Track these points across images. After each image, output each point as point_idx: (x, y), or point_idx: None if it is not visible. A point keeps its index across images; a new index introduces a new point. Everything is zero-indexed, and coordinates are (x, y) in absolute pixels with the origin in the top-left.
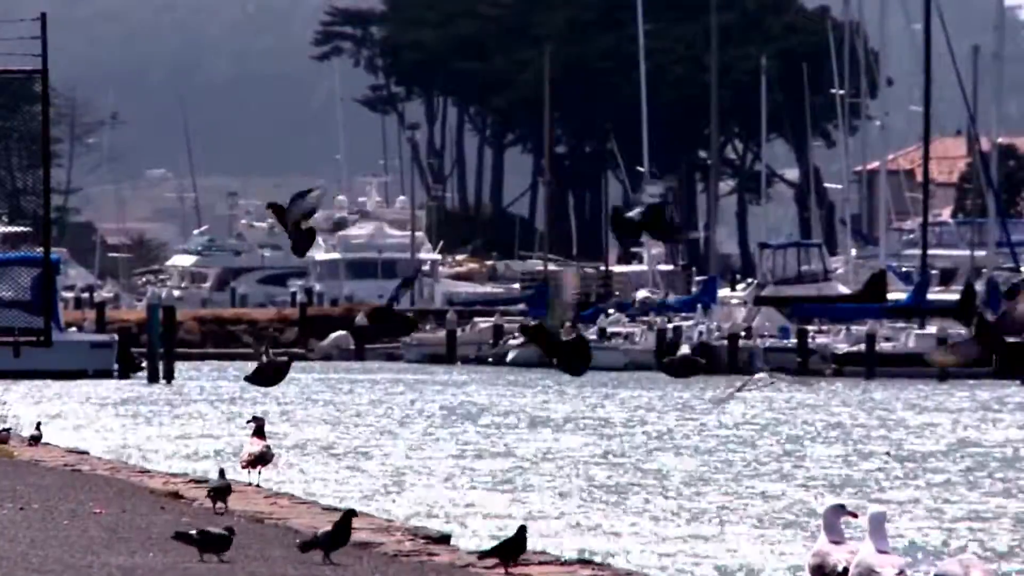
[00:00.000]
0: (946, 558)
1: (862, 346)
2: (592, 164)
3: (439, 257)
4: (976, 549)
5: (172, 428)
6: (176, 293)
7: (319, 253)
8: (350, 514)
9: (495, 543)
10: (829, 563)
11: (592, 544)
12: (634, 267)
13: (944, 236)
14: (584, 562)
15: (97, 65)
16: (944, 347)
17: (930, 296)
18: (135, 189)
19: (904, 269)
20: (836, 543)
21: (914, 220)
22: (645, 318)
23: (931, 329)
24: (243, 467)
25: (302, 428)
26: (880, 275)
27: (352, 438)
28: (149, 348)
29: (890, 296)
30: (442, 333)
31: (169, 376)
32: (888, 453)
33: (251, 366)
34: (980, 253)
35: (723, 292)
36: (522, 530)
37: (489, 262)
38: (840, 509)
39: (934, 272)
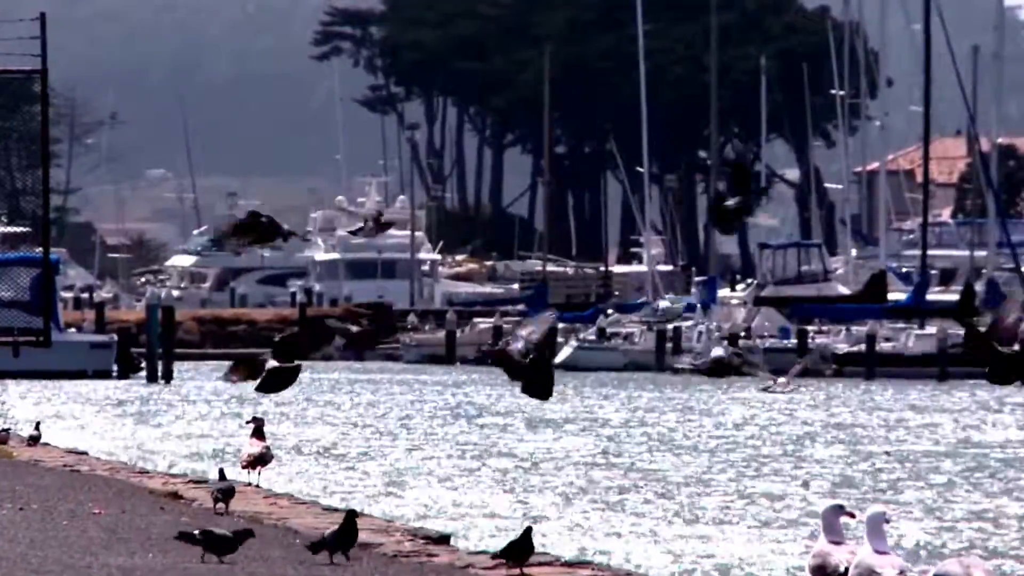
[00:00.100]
0: (946, 559)
1: (862, 346)
2: (592, 164)
3: (439, 257)
4: (976, 549)
5: (171, 428)
6: (175, 293)
7: (319, 253)
8: (352, 515)
9: (505, 544)
10: (831, 564)
11: (592, 545)
12: (634, 267)
13: (944, 236)
14: (584, 563)
15: (97, 65)
16: None
17: (930, 296)
18: (135, 189)
19: (904, 269)
20: (836, 543)
21: (914, 220)
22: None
23: (931, 330)
24: (243, 468)
25: (302, 428)
26: (880, 275)
27: (352, 438)
28: (148, 348)
29: (890, 296)
30: (442, 334)
31: (168, 376)
32: (888, 453)
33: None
34: (980, 253)
35: (723, 292)
36: (528, 531)
37: (489, 262)
38: (839, 509)
39: (934, 272)
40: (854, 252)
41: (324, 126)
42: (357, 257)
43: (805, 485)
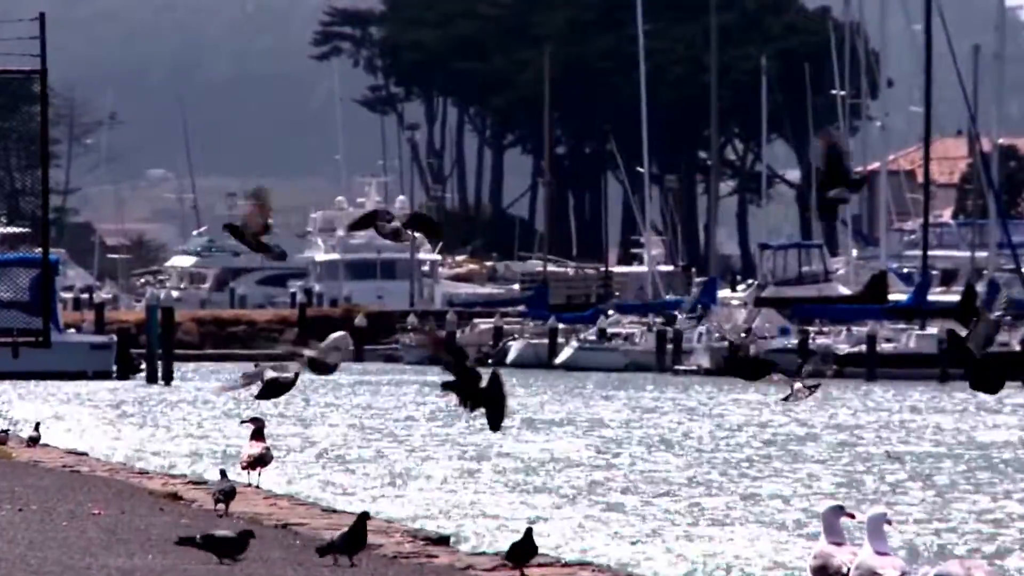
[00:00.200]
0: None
1: (863, 347)
2: (592, 164)
3: (439, 258)
4: (977, 550)
5: (171, 429)
6: (175, 294)
7: (318, 254)
8: (364, 517)
9: (509, 547)
10: (832, 564)
11: (592, 545)
12: (634, 268)
13: (945, 237)
14: (584, 564)
15: (96, 65)
16: None
17: (931, 297)
18: (134, 190)
19: (905, 270)
20: (836, 544)
21: (915, 221)
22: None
23: (932, 330)
24: (243, 468)
25: (302, 429)
26: (881, 276)
27: (351, 439)
28: (148, 349)
29: (891, 297)
30: (441, 334)
31: (168, 377)
32: (888, 454)
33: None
34: (981, 254)
35: (723, 293)
36: (529, 532)
37: (489, 263)
38: (839, 510)
39: (935, 273)
40: (855, 253)
41: (324, 126)
42: (357, 258)
43: (806, 486)
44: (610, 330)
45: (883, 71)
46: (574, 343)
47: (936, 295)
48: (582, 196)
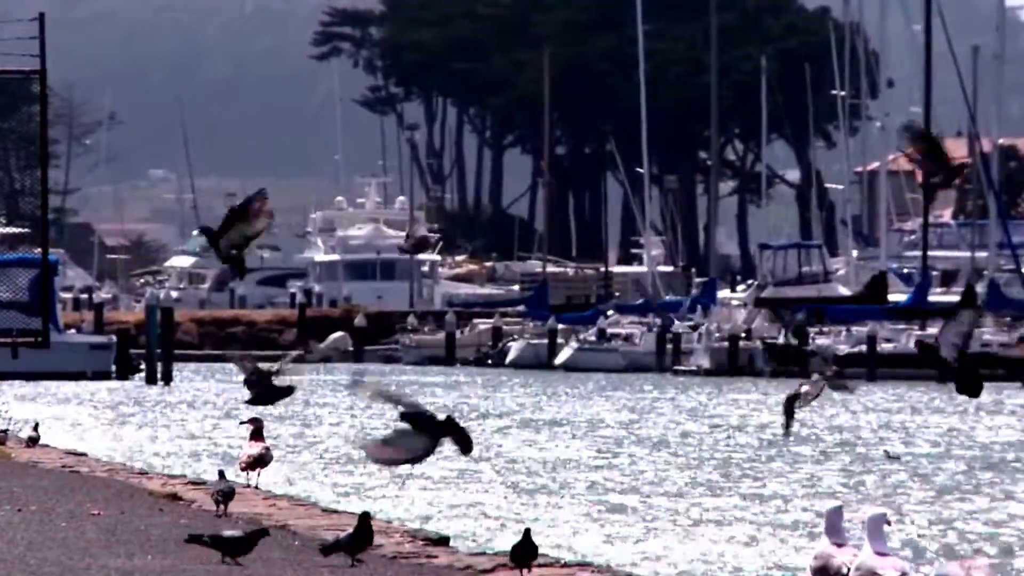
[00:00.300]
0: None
1: (863, 347)
2: (592, 165)
3: (438, 258)
4: (977, 550)
5: (170, 429)
6: (174, 294)
7: (318, 254)
8: (366, 517)
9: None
10: (833, 565)
11: (592, 546)
12: (634, 268)
13: (945, 237)
14: (584, 564)
15: (96, 65)
16: None
17: (931, 297)
18: (133, 190)
19: (905, 270)
20: (838, 545)
21: (915, 221)
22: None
23: (932, 331)
24: (242, 469)
25: (301, 430)
26: (881, 276)
27: (350, 440)
28: (147, 349)
29: (891, 297)
30: (441, 335)
31: (167, 377)
32: (887, 454)
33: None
34: (981, 254)
35: (723, 293)
36: (528, 533)
37: (488, 263)
38: (840, 510)
39: (935, 273)
40: (855, 253)
41: (323, 126)
42: (356, 258)
43: (806, 486)
44: (610, 331)
45: (883, 71)
46: (574, 343)
47: (936, 296)
48: (582, 196)
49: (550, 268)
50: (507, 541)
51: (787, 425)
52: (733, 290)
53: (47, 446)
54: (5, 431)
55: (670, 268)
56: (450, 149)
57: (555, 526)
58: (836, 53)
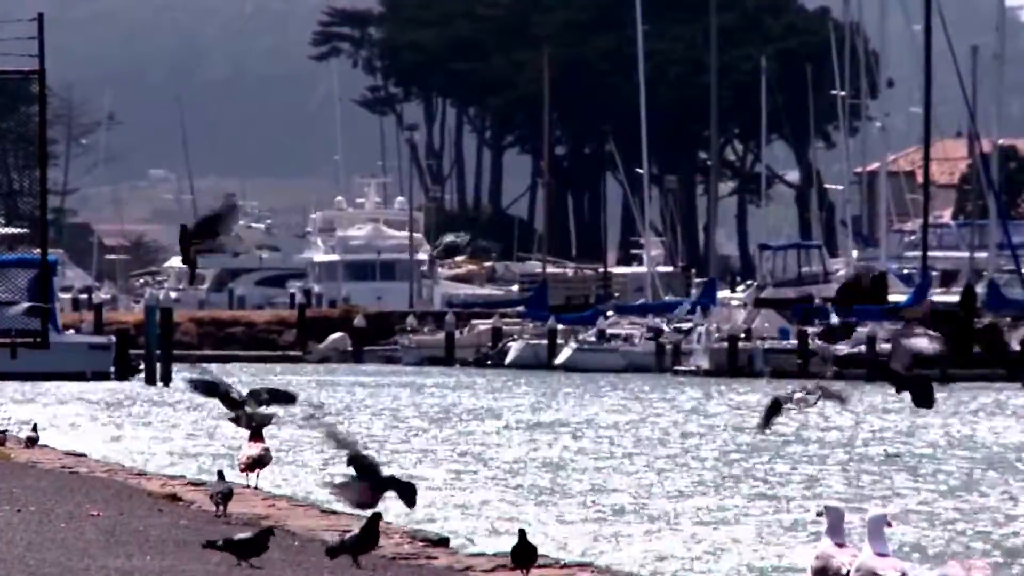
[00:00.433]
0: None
1: (862, 348)
2: (591, 165)
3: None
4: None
5: (169, 430)
6: (174, 295)
7: (318, 254)
8: (376, 517)
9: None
10: (833, 566)
11: (592, 546)
12: (633, 268)
13: (945, 238)
14: (584, 565)
15: (95, 65)
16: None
17: (931, 298)
18: (133, 190)
19: (905, 271)
20: (839, 545)
21: (915, 222)
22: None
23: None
24: (241, 470)
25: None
26: (881, 277)
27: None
28: (147, 350)
29: (891, 298)
30: (441, 335)
31: (167, 378)
32: (887, 453)
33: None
34: (981, 255)
35: (723, 294)
36: (523, 534)
37: (488, 264)
38: (841, 511)
39: (935, 274)
40: (855, 253)
41: (323, 127)
42: (356, 259)
43: (805, 486)
44: (609, 331)
45: (883, 71)
46: (573, 344)
47: (936, 296)
48: (581, 197)
49: (550, 268)
50: (507, 542)
51: (765, 423)
52: (733, 290)
53: (46, 447)
54: (4, 432)
55: (670, 268)
56: (450, 149)
57: (555, 526)
58: (836, 53)
